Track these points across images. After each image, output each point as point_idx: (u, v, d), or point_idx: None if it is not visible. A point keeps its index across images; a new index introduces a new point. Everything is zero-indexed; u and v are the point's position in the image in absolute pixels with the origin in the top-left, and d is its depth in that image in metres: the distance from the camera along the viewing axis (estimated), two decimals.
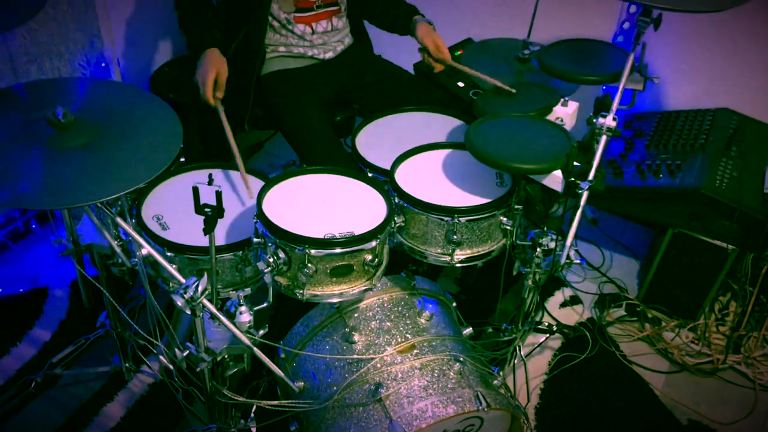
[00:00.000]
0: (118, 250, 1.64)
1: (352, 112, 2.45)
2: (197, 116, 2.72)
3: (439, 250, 1.77)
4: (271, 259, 1.56)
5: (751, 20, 2.45)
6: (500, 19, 2.96)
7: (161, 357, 1.96)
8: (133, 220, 1.74)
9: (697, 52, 2.62)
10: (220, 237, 1.72)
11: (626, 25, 2.72)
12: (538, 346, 2.33)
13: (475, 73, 2.10)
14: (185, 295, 1.38)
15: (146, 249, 1.49)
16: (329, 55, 2.35)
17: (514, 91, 1.98)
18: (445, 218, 1.70)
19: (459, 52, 2.66)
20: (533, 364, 2.28)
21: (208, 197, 1.34)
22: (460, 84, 2.50)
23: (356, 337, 1.72)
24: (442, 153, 1.94)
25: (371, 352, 1.69)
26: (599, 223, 2.86)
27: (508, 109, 1.87)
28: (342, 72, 2.37)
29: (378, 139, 2.06)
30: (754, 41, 2.50)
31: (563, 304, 2.54)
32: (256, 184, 1.88)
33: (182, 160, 1.93)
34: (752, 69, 2.55)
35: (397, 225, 1.76)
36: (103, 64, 2.66)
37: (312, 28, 2.27)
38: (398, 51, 2.42)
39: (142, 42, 2.79)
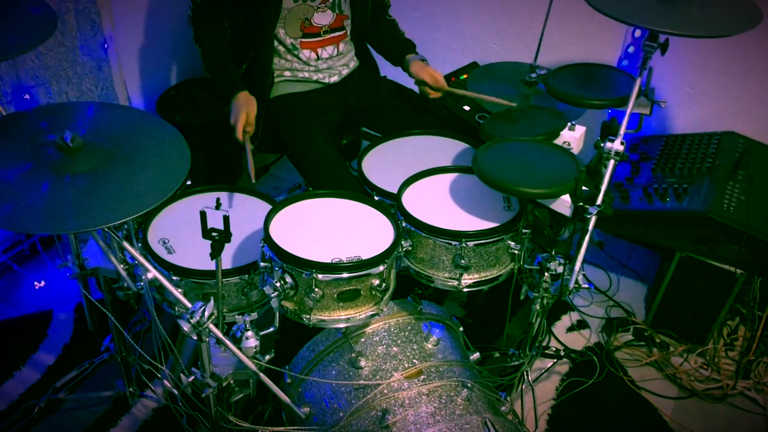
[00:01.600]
0: (123, 273, 1.63)
1: (358, 136, 2.46)
2: (203, 139, 2.73)
3: (446, 275, 1.76)
4: (278, 284, 1.56)
5: (757, 44, 2.46)
6: (505, 44, 2.98)
7: (165, 381, 1.95)
8: (139, 244, 1.74)
9: (703, 76, 2.63)
10: (227, 260, 1.71)
11: (631, 50, 2.73)
12: (546, 371, 2.31)
13: (473, 94, 2.11)
14: (191, 320, 1.37)
15: (152, 273, 1.49)
16: (334, 79, 2.36)
17: (514, 104, 1.99)
18: (453, 242, 1.70)
19: (464, 76, 2.68)
20: (541, 389, 2.25)
21: (215, 221, 1.34)
22: (466, 108, 2.50)
23: (363, 363, 1.70)
24: (449, 177, 1.94)
25: (378, 377, 1.67)
26: (606, 246, 2.85)
27: (515, 133, 1.87)
28: (347, 95, 2.38)
29: (384, 163, 2.06)
30: (761, 65, 2.51)
31: (570, 329, 2.52)
32: (263, 207, 1.88)
33: (188, 183, 1.93)
34: (759, 92, 2.55)
35: (404, 249, 1.75)
36: (111, 88, 2.68)
37: (317, 54, 2.28)
38: (405, 74, 2.43)
39: (149, 66, 2.81)
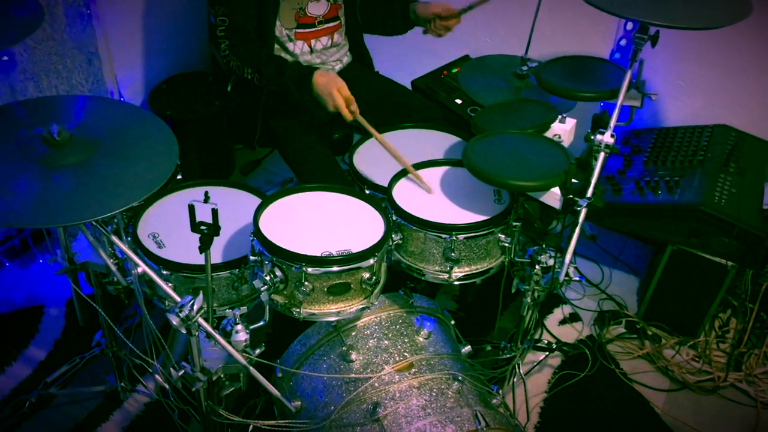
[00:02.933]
0: (113, 268, 1.63)
1: (350, 130, 2.45)
2: (195, 134, 2.72)
3: (437, 268, 1.76)
4: (267, 278, 1.55)
5: (748, 36, 2.46)
6: (497, 36, 2.97)
7: (157, 376, 1.95)
8: (129, 238, 1.73)
9: (694, 69, 2.63)
10: (217, 255, 1.71)
11: (623, 42, 2.73)
12: (538, 364, 2.31)
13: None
14: (180, 314, 1.37)
15: (142, 267, 1.48)
16: None
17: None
18: (443, 236, 1.69)
19: (456, 69, 2.68)
20: (532, 382, 2.26)
21: (204, 215, 1.34)
22: (458, 101, 2.50)
23: (354, 356, 1.70)
24: (440, 170, 1.94)
25: (369, 371, 1.67)
26: (598, 239, 2.85)
27: (506, 126, 1.87)
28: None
29: (375, 157, 2.05)
30: (752, 57, 2.51)
31: (562, 322, 2.53)
32: (254, 201, 1.88)
33: (179, 177, 1.92)
34: (750, 85, 2.56)
35: (395, 242, 1.75)
36: (101, 82, 2.66)
37: (311, 47, 2.27)
38: (397, 68, 2.43)
39: (140, 60, 2.79)
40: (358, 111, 1.97)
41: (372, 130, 1.96)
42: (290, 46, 2.24)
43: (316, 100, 1.99)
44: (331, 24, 2.29)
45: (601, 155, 1.66)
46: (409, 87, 2.59)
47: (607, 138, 1.64)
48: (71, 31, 2.46)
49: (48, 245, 2.64)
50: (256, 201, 1.88)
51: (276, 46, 2.24)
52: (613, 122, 1.65)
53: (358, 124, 1.98)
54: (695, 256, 2.27)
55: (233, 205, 1.86)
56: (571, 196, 1.61)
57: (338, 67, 2.38)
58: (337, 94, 1.95)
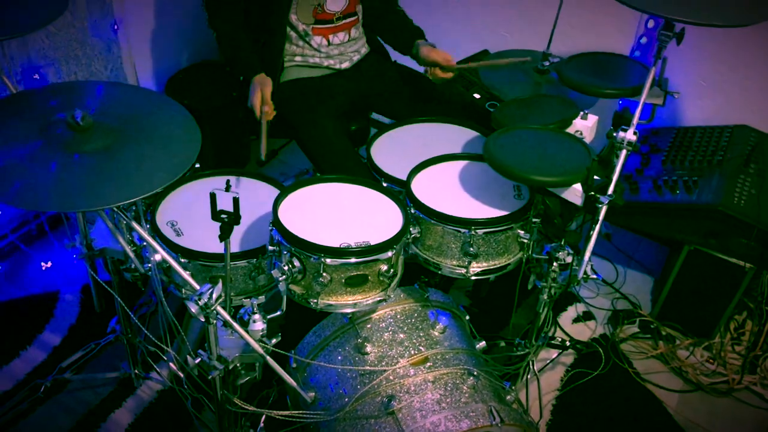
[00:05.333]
0: (131, 255, 1.63)
1: (367, 122, 2.45)
2: (211, 123, 2.72)
3: (454, 262, 1.75)
4: (285, 267, 1.55)
5: None
6: (515, 31, 2.96)
7: (171, 364, 1.95)
8: (148, 226, 1.73)
9: (715, 68, 2.60)
10: (235, 244, 1.71)
11: (644, 40, 2.71)
12: (551, 361, 2.30)
13: (485, 63, 2.09)
14: (199, 302, 1.37)
15: (160, 254, 1.49)
16: (345, 65, 2.35)
17: (528, 58, 1.99)
18: (462, 230, 1.69)
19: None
20: (546, 379, 2.25)
21: (224, 204, 1.33)
22: (477, 95, 2.49)
23: (369, 348, 1.70)
24: (459, 164, 1.93)
25: (384, 363, 1.67)
26: (613, 238, 2.84)
27: (526, 121, 1.85)
28: (358, 82, 2.36)
29: (393, 150, 2.05)
30: None
31: (576, 320, 2.52)
32: (270, 191, 1.88)
33: (197, 166, 1.92)
34: None
35: (413, 236, 1.75)
36: (120, 69, 2.67)
37: (328, 41, 2.27)
38: (415, 64, 2.41)
39: (158, 48, 2.80)
40: (268, 114, 2.07)
41: (263, 138, 2.01)
42: (308, 39, 2.24)
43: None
44: (349, 19, 2.29)
45: (623, 153, 1.65)
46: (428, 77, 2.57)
47: (629, 135, 1.62)
48: (91, 18, 2.47)
49: (66, 230, 2.65)
50: (273, 191, 1.88)
51: (294, 35, 2.23)
52: (635, 119, 1.63)
53: (260, 124, 2.07)
54: (712, 257, 2.26)
55: (251, 195, 1.86)
56: (592, 192, 1.60)
57: (356, 58, 2.38)
58: (259, 95, 2.07)
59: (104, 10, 2.50)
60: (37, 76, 2.36)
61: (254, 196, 1.86)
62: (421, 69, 2.45)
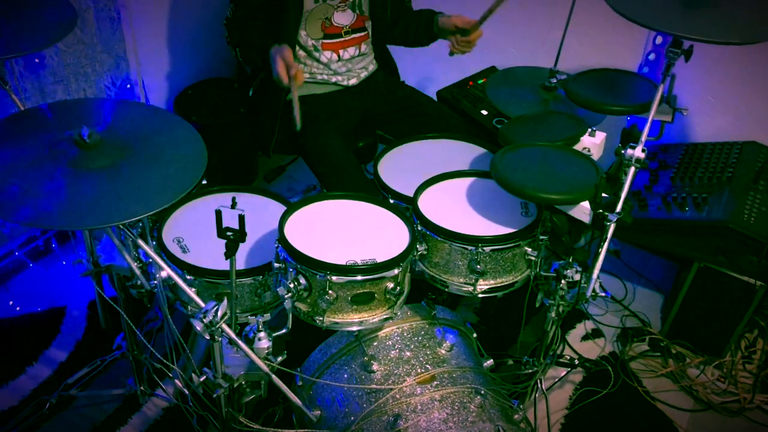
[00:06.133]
0: (137, 271, 1.62)
1: (374, 139, 2.45)
2: (218, 139, 2.73)
3: (461, 280, 1.74)
4: (291, 285, 1.54)
5: None
6: (523, 48, 2.96)
7: (177, 381, 1.94)
8: (154, 242, 1.73)
9: (724, 85, 2.59)
10: (240, 261, 1.70)
11: (652, 57, 2.71)
12: (560, 380, 2.28)
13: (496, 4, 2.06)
14: (204, 320, 1.36)
15: (166, 271, 1.48)
16: (353, 81, 2.35)
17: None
18: (469, 247, 1.68)
19: (482, 80, 2.66)
20: (554, 398, 2.23)
21: (230, 221, 1.33)
22: (484, 112, 2.49)
23: (375, 367, 1.68)
24: (466, 181, 1.92)
25: (390, 382, 1.66)
26: (622, 255, 2.82)
27: (533, 138, 1.85)
28: (365, 99, 2.37)
29: (400, 166, 2.04)
30: None
31: (585, 337, 2.49)
32: (277, 208, 1.87)
33: (204, 182, 1.92)
34: None
35: (420, 253, 1.74)
36: (128, 86, 2.68)
37: (338, 55, 2.27)
38: (423, 78, 2.42)
39: (166, 65, 2.82)
40: (297, 77, 1.95)
41: (296, 105, 1.93)
42: (317, 54, 2.25)
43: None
44: (358, 34, 2.29)
45: (632, 170, 1.64)
46: (435, 97, 2.58)
47: (638, 153, 1.61)
48: (101, 35, 2.49)
49: (73, 247, 2.66)
50: (280, 207, 1.88)
51: (303, 53, 2.24)
52: (644, 137, 1.62)
53: (289, 92, 1.98)
54: (722, 275, 2.24)
55: (256, 212, 1.86)
56: (601, 210, 1.59)
57: (364, 74, 2.38)
58: (280, 60, 1.95)
59: (113, 26, 2.52)
60: (46, 93, 2.37)
61: (261, 213, 1.86)
62: (429, 89, 2.46)
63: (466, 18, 2.18)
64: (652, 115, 1.66)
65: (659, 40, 2.67)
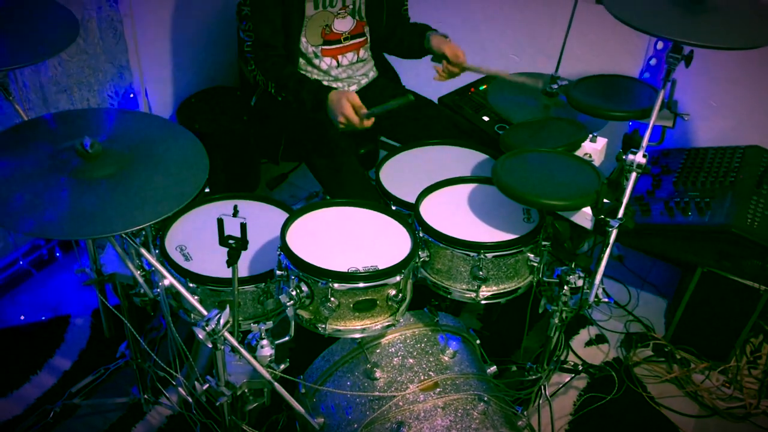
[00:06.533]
0: (140, 280, 1.63)
1: (376, 145, 2.45)
2: (221, 147, 2.74)
3: (464, 286, 1.74)
4: (293, 292, 1.55)
5: None
6: (524, 54, 2.96)
7: (180, 389, 1.94)
8: (157, 251, 1.74)
9: (726, 89, 2.59)
10: (243, 268, 1.71)
11: (653, 62, 2.71)
12: (564, 386, 2.28)
13: (494, 71, 2.07)
14: (207, 328, 1.37)
15: (168, 279, 1.49)
16: (353, 88, 2.36)
17: (540, 83, 1.95)
18: (471, 253, 1.68)
19: (484, 87, 2.67)
20: (558, 404, 2.22)
21: (232, 228, 1.34)
22: (485, 118, 2.49)
23: (378, 374, 1.68)
24: (468, 187, 1.92)
25: (393, 389, 1.66)
26: (625, 260, 2.81)
27: (535, 144, 1.85)
28: (366, 105, 2.37)
29: (402, 173, 2.05)
30: None
31: (588, 343, 2.49)
32: (279, 215, 1.88)
33: (207, 190, 1.93)
34: None
35: (422, 260, 1.74)
36: (131, 95, 2.70)
37: (338, 62, 2.28)
38: (424, 84, 2.42)
39: (169, 74, 2.83)
40: (365, 118, 1.93)
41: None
42: (317, 61, 2.26)
43: (330, 118, 2.00)
44: (357, 40, 2.30)
45: (633, 175, 1.64)
46: (437, 103, 2.58)
47: (639, 158, 1.61)
48: (104, 45, 2.50)
49: (76, 256, 2.66)
50: (282, 215, 1.88)
51: (303, 61, 2.25)
52: (645, 142, 1.62)
53: (367, 130, 1.96)
54: (726, 279, 2.23)
55: (259, 219, 1.86)
56: (602, 216, 1.59)
57: (364, 81, 2.39)
58: (348, 107, 1.93)
59: (116, 36, 2.53)
60: (49, 103, 2.39)
61: (263, 220, 1.86)
62: (431, 93, 2.46)
63: (457, 50, 2.15)
64: (653, 121, 1.66)
65: (660, 45, 2.67)
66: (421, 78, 2.43)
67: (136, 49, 2.62)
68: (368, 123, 1.94)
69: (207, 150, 1.46)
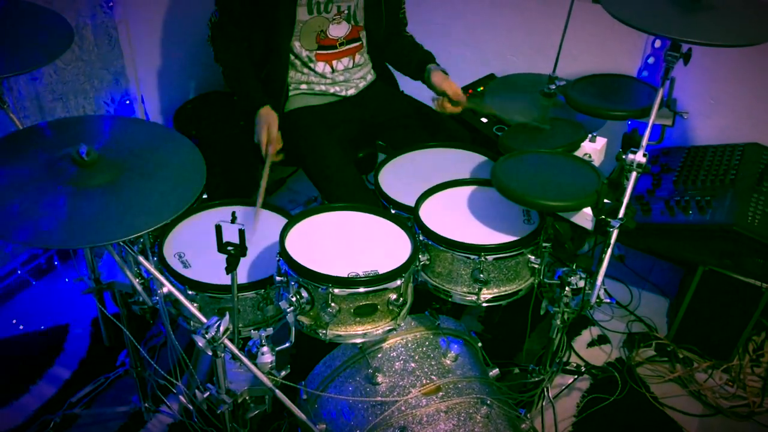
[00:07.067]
0: (139, 288, 1.62)
1: (374, 149, 2.44)
2: (219, 153, 2.73)
3: (465, 289, 1.73)
4: (293, 298, 1.53)
5: None
6: (522, 55, 2.96)
7: (181, 397, 1.93)
8: (155, 258, 1.72)
9: (724, 87, 2.59)
10: (242, 275, 1.70)
11: (651, 60, 2.70)
12: (566, 387, 2.26)
13: (496, 112, 2.08)
14: (206, 335, 1.35)
15: (167, 287, 1.47)
16: (351, 92, 2.35)
17: (546, 126, 1.95)
18: (472, 256, 1.67)
19: (481, 88, 2.66)
20: (561, 406, 2.21)
21: (231, 235, 1.32)
22: (484, 120, 2.48)
23: (380, 379, 1.67)
24: (467, 190, 1.92)
25: (395, 393, 1.64)
26: (626, 259, 2.81)
27: (534, 145, 1.84)
28: (364, 109, 2.36)
29: (401, 176, 2.04)
30: None
31: (591, 344, 2.48)
32: (278, 221, 1.87)
33: (205, 196, 1.92)
34: None
35: (422, 263, 1.73)
36: (128, 102, 2.69)
37: (332, 67, 2.27)
38: (421, 86, 2.42)
39: (165, 80, 2.82)
40: (273, 154, 2.06)
41: (264, 181, 1.94)
42: (312, 65, 2.25)
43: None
44: (353, 45, 2.29)
45: (633, 175, 1.62)
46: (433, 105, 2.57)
47: (639, 157, 1.60)
48: (99, 52, 2.49)
49: (74, 264, 2.65)
50: (281, 220, 1.87)
51: (299, 63, 2.24)
52: (645, 141, 1.61)
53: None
54: (728, 278, 2.22)
55: (259, 225, 1.85)
56: (603, 216, 1.58)
57: (362, 84, 2.38)
58: (265, 132, 2.07)
59: (111, 43, 2.52)
60: (45, 111, 2.38)
61: (262, 226, 1.85)
62: (428, 98, 2.45)
63: (458, 91, 2.15)
64: (652, 120, 1.65)
65: (658, 43, 2.66)
66: (419, 82, 2.42)
67: (132, 55, 2.61)
68: (275, 157, 2.08)
69: (204, 156, 1.45)
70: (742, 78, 2.54)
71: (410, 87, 2.52)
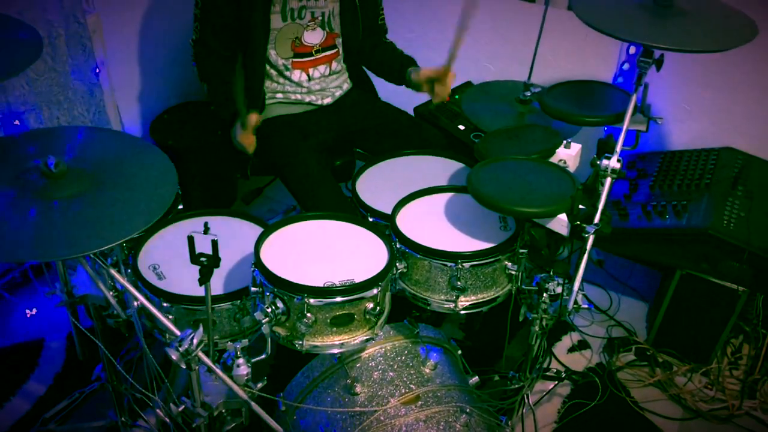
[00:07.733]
0: (113, 301, 1.60)
1: (352, 157, 2.44)
2: (196, 163, 2.71)
3: (442, 297, 1.72)
4: (269, 309, 1.52)
5: (753, 59, 2.44)
6: (498, 63, 2.96)
7: (158, 411, 1.90)
8: (129, 270, 1.70)
9: (699, 92, 2.61)
10: (218, 286, 1.68)
11: (626, 66, 2.72)
12: (547, 393, 2.26)
13: (458, 39, 2.05)
14: (180, 348, 1.34)
15: (141, 300, 1.45)
16: (327, 100, 2.34)
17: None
18: (449, 264, 1.66)
19: (456, 96, 2.66)
20: (542, 412, 2.21)
21: (204, 246, 1.31)
22: (461, 127, 2.48)
23: (358, 389, 1.66)
24: (444, 197, 1.91)
25: (374, 403, 1.63)
26: (605, 264, 2.82)
27: (510, 151, 1.84)
28: (341, 117, 2.36)
29: (378, 184, 2.03)
30: (757, 80, 2.49)
31: (571, 349, 2.48)
32: (254, 230, 1.85)
33: (180, 207, 1.90)
34: (756, 108, 2.54)
35: (399, 271, 1.72)
36: (103, 113, 2.66)
37: (309, 75, 2.26)
38: (400, 94, 2.42)
39: (141, 90, 2.80)
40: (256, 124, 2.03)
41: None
42: (288, 74, 2.24)
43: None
44: (329, 52, 2.29)
45: (608, 180, 1.63)
46: (412, 113, 2.57)
47: (613, 163, 1.61)
48: (73, 63, 2.46)
49: (48, 278, 2.61)
50: (258, 230, 1.85)
51: (274, 73, 2.23)
52: (619, 147, 1.62)
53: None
54: (705, 281, 2.24)
55: (234, 235, 1.84)
56: (578, 222, 1.58)
57: (338, 93, 2.37)
58: (250, 132, 2.04)
59: (86, 53, 2.49)
60: (17, 122, 2.34)
61: (238, 236, 1.83)
62: (406, 105, 2.45)
63: (434, 68, 2.16)
64: (626, 126, 1.66)
65: (632, 50, 2.68)
66: (398, 89, 2.42)
67: (107, 66, 2.59)
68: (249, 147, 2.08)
69: (181, 166, 1.44)
70: (716, 83, 2.57)
71: (389, 95, 2.53)
